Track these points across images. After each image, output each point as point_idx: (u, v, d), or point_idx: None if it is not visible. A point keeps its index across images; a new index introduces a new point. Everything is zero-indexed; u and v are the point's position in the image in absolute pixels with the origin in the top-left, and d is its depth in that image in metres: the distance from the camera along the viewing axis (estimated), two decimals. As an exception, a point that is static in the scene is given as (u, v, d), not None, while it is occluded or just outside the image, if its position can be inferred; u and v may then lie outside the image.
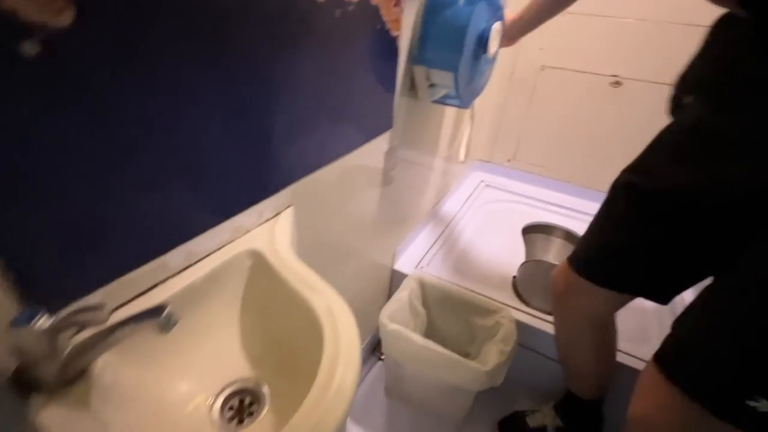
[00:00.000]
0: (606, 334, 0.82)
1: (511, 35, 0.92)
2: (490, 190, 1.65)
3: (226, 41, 0.40)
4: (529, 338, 1.02)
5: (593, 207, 0.75)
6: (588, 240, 0.73)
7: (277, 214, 0.58)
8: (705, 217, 0.56)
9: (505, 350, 0.89)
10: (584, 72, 1.38)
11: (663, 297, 0.67)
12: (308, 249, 0.71)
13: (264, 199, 0.54)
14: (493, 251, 1.32)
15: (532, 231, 1.50)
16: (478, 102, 1.07)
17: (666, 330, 0.58)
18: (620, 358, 0.91)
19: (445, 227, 1.40)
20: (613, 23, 1.27)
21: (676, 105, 0.64)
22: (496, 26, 0.81)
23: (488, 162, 1.74)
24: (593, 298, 0.73)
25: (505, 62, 1.47)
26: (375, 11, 0.62)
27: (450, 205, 1.52)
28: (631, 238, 0.65)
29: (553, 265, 1.22)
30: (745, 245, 0.51)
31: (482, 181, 1.69)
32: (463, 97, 0.86)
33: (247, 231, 0.53)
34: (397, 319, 0.98)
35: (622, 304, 0.74)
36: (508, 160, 1.70)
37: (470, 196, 1.60)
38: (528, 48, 1.42)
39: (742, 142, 0.51)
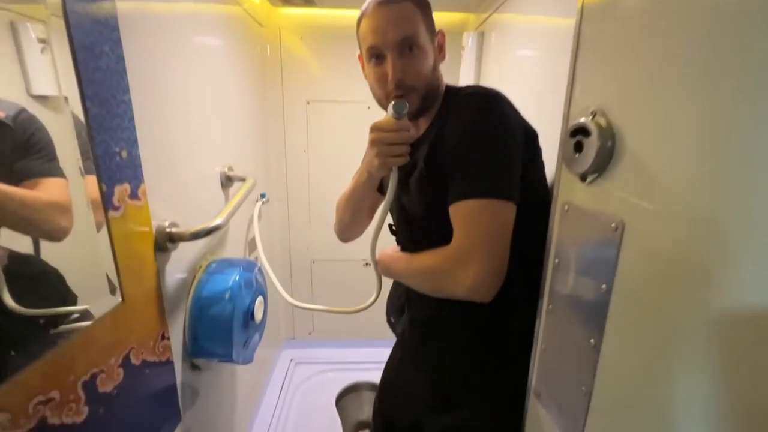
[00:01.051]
0: None
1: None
2: (301, 367, 1.80)
3: None
4: None
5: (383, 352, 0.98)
6: None
7: None
8: None
9: None
10: (346, 260, 1.80)
11: None
12: None
13: None
14: (315, 442, 1.43)
15: (344, 396, 1.69)
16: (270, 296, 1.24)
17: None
18: None
19: (265, 436, 1.42)
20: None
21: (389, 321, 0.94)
22: (259, 299, 1.02)
23: (293, 339, 1.91)
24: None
25: (284, 259, 1.76)
26: (141, 367, 0.71)
27: (267, 402, 1.57)
28: None
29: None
30: None
31: (292, 360, 1.83)
32: (243, 360, 1.01)
33: None
34: None
35: None
36: (309, 333, 1.91)
37: (284, 382, 1.69)
38: (298, 245, 1.76)
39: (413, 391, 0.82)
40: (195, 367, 0.96)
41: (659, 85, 0.35)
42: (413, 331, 0.82)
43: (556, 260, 0.51)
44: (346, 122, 1.65)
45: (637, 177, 0.38)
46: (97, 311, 0.61)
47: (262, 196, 1.40)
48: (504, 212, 0.59)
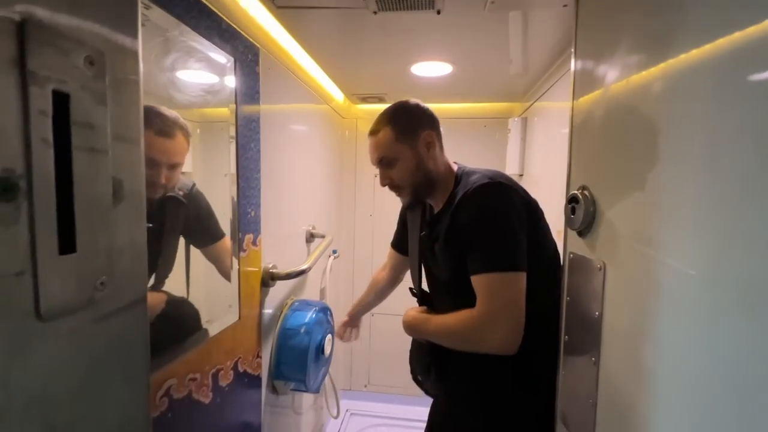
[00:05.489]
0: None
1: (354, 324, 1.36)
2: (356, 418, 1.88)
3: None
4: None
5: None
6: None
7: None
8: None
9: None
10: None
11: None
12: None
13: None
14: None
15: (396, 452, 1.72)
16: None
17: None
18: None
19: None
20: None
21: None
22: (329, 337, 1.21)
23: (349, 390, 2.02)
24: None
25: (347, 309, 1.95)
26: (243, 375, 0.92)
27: (322, 449, 1.66)
28: None
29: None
30: None
31: (347, 410, 1.92)
32: (312, 388, 1.18)
33: None
34: None
35: None
36: (365, 386, 2.02)
37: (339, 431, 1.78)
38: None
39: None
40: (274, 390, 1.14)
41: (620, 172, 0.53)
42: (453, 391, 0.92)
43: (568, 297, 0.65)
44: (406, 192, 1.92)
45: (611, 232, 0.54)
46: (225, 323, 0.85)
47: (334, 252, 1.66)
48: (518, 281, 0.74)
